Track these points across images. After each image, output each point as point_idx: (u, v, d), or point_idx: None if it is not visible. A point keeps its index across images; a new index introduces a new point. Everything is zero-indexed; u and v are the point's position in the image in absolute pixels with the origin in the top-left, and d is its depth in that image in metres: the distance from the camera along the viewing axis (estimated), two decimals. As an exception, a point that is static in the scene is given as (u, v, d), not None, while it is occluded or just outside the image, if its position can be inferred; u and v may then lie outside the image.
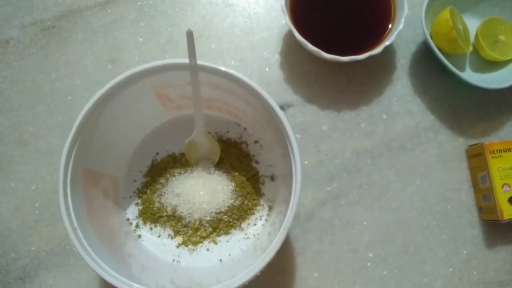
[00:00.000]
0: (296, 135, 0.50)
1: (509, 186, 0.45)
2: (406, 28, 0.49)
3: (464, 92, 0.52)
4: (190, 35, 0.35)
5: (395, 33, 0.46)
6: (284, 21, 0.53)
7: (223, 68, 0.38)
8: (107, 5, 0.54)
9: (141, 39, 0.53)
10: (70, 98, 0.51)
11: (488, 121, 0.51)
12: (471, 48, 0.51)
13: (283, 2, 0.46)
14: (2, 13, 0.54)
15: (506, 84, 0.47)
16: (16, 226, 0.47)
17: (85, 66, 0.52)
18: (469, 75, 0.51)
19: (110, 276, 0.35)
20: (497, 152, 0.46)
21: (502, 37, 0.51)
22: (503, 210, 0.44)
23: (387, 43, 0.46)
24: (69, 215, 0.36)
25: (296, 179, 0.37)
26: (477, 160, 0.48)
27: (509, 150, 0.46)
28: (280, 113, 0.38)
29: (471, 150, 0.49)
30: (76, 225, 0.36)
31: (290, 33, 0.51)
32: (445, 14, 0.48)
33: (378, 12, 0.49)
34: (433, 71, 0.52)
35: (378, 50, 0.46)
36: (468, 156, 0.50)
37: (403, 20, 0.46)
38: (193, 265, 0.45)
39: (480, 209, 0.48)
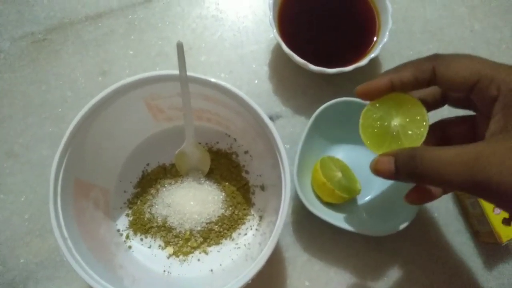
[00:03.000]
0: (285, 145, 0.50)
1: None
2: (391, 41, 0.50)
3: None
4: (180, 47, 0.36)
5: (380, 46, 0.47)
6: (272, 35, 0.54)
7: (213, 80, 0.39)
8: (98, 18, 0.55)
9: (131, 52, 0.54)
10: (60, 110, 0.51)
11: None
12: (357, 192, 0.47)
13: (271, 17, 0.48)
14: (-7, 26, 0.54)
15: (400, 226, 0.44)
16: (5, 238, 0.47)
17: (76, 79, 0.52)
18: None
19: (100, 285, 0.35)
20: None
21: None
22: (500, 234, 0.44)
23: (372, 55, 0.47)
24: (59, 225, 0.36)
25: (285, 189, 0.38)
26: None
27: None
28: (269, 123, 0.39)
29: None
30: (66, 235, 0.36)
31: (278, 46, 0.53)
32: (316, 167, 0.46)
33: (363, 25, 0.50)
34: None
35: (363, 62, 0.47)
36: None
37: (387, 33, 0.48)
38: (184, 276, 0.45)
39: (477, 232, 0.48)
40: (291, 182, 0.38)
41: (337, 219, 0.44)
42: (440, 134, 0.37)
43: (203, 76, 0.39)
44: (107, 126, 0.42)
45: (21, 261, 0.46)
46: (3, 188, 0.49)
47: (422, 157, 0.28)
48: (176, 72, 0.38)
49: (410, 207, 0.44)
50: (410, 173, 0.29)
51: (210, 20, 0.55)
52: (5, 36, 0.54)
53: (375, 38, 0.50)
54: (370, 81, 0.33)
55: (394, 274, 0.47)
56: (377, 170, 0.31)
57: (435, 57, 0.31)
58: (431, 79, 0.31)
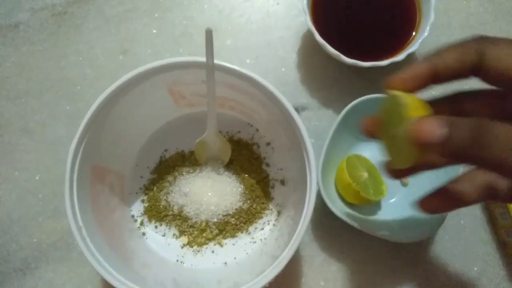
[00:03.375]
0: (310, 139, 0.48)
1: None
2: (429, 34, 0.47)
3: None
4: (209, 34, 0.33)
5: (419, 40, 0.44)
6: (302, 20, 0.51)
7: (241, 70, 0.37)
8: (121, -7, 0.52)
9: (154, 31, 0.51)
10: (78, 87, 0.50)
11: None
12: (383, 194, 0.44)
13: (305, 2, 0.45)
14: (13, -4, 0.52)
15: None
16: (19, 216, 0.46)
17: (96, 56, 0.50)
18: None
19: (116, 279, 0.34)
20: None
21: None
22: None
23: (410, 50, 0.44)
24: (74, 213, 0.35)
25: (310, 188, 0.36)
26: None
27: None
28: (296, 116, 0.37)
29: None
30: (81, 223, 0.35)
31: (308, 33, 0.50)
32: (341, 166, 0.44)
33: (402, 17, 0.47)
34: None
35: (400, 57, 0.44)
36: None
37: (428, 28, 0.44)
38: (197, 267, 0.44)
39: (503, 243, 0.46)
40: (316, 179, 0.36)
41: (359, 221, 0.43)
42: (456, 108, 0.29)
43: (230, 65, 0.37)
44: (126, 110, 0.40)
45: (34, 240, 0.46)
46: (17, 165, 0.48)
47: (493, 129, 0.21)
48: (202, 59, 0.36)
49: (438, 215, 0.42)
50: (470, 146, 0.21)
51: (239, 1, 0.52)
52: (25, 6, 0.52)
53: (414, 32, 0.46)
54: (405, 69, 0.26)
55: (413, 281, 0.45)
56: (417, 131, 0.22)
57: (481, 38, 0.25)
58: (477, 62, 0.25)
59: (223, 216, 0.45)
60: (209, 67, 0.36)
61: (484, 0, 0.52)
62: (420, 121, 0.23)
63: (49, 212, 0.46)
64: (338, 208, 0.42)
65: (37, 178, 0.47)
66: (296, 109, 0.48)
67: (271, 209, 0.46)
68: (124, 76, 0.36)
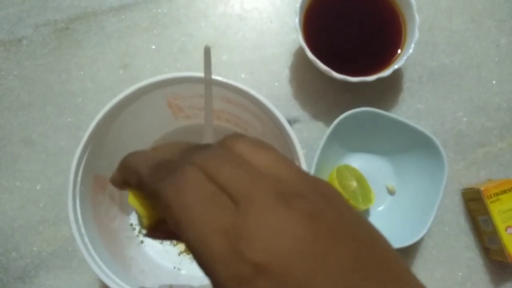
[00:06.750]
0: (302, 150, 0.50)
1: None
2: (414, 51, 0.50)
3: (467, 118, 0.53)
4: (207, 51, 0.36)
5: (405, 57, 0.47)
6: (294, 38, 0.54)
7: (238, 85, 0.39)
8: (121, 10, 0.54)
9: (153, 47, 0.53)
10: (80, 100, 0.51)
11: (488, 146, 0.52)
12: (371, 202, 0.47)
13: (297, 21, 0.47)
14: (16, 12, 0.54)
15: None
16: (19, 226, 0.48)
17: (97, 70, 0.52)
18: None
19: (116, 285, 0.35)
20: (494, 196, 0.46)
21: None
22: (511, 253, 0.45)
23: (396, 66, 0.47)
24: (77, 221, 0.36)
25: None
26: (475, 204, 0.48)
27: (504, 192, 0.46)
28: (288, 128, 0.39)
29: (467, 194, 0.50)
30: (83, 231, 0.36)
31: (300, 50, 0.52)
32: (332, 175, 0.46)
33: (388, 35, 0.50)
34: (439, 96, 0.53)
35: (387, 73, 0.47)
36: (465, 199, 0.50)
37: (413, 45, 0.47)
38: (194, 273, 0.46)
39: (487, 249, 0.48)
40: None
41: None
42: None
43: (226, 80, 0.39)
44: (127, 123, 0.42)
45: (34, 249, 0.47)
46: (19, 175, 0.49)
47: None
48: (201, 74, 0.38)
49: (423, 222, 0.45)
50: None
51: (234, 19, 0.55)
52: (28, 22, 0.54)
53: (399, 50, 0.49)
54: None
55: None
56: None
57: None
58: None
59: (219, 224, 0.47)
60: (207, 83, 0.38)
61: (466, 19, 0.56)
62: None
63: (49, 221, 0.48)
64: None
65: (38, 188, 0.49)
66: (289, 122, 0.50)
67: (265, 218, 0.48)
68: (127, 89, 0.38)
